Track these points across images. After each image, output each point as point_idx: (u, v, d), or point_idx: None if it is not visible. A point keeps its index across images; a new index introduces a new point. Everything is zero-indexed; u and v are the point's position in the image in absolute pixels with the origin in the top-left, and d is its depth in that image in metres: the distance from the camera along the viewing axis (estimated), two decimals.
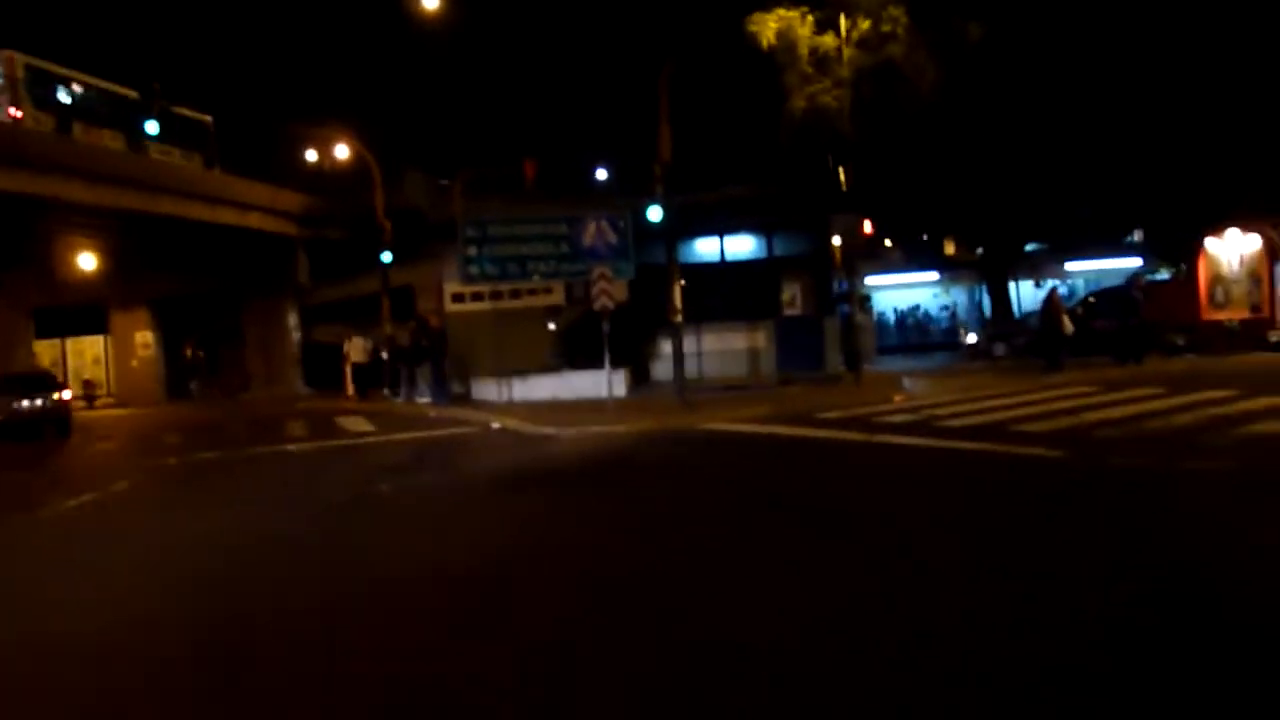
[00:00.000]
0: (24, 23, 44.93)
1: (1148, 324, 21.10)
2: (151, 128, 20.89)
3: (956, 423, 13.44)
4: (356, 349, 27.99)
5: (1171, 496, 8.17)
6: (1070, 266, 37.93)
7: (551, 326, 22.47)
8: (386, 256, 26.03)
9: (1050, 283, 32.87)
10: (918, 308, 39.67)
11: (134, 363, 36.55)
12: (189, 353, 38.13)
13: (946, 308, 39.57)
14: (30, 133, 24.39)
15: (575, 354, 21.27)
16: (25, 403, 22.85)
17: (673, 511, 9.03)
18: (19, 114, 25.46)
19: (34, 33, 39.80)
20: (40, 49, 27.05)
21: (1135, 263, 34.86)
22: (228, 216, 31.90)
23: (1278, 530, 6.84)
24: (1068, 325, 20.39)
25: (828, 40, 27.85)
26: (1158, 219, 35.32)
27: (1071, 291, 34.14)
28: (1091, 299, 27.59)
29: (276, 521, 9.88)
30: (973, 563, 6.41)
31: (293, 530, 9.25)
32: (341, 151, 33.50)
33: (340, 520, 9.69)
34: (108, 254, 34.42)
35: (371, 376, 27.47)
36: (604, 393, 17.47)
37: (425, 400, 23.47)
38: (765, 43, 27.24)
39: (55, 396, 23.73)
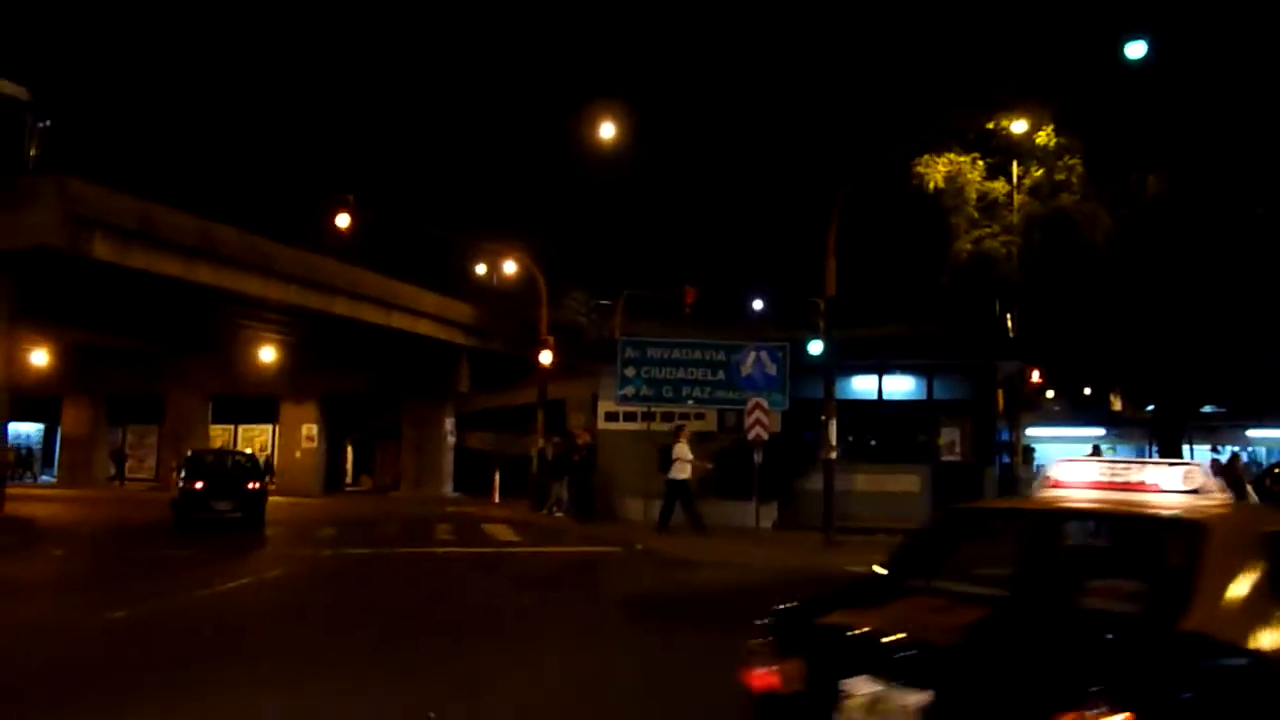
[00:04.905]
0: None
1: None
2: None
3: None
4: None
5: None
6: (1252, 434, 35.72)
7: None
8: (546, 360, 26.26)
9: (1230, 449, 30.97)
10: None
11: (298, 454, 38.16)
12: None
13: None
14: (223, 229, 25.87)
15: (723, 482, 21.03)
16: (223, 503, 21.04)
17: None
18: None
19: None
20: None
21: None
22: (400, 322, 33.36)
23: None
24: (1252, 496, 19.00)
25: (998, 186, 27.51)
26: None
27: (1253, 460, 32.05)
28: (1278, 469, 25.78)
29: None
30: None
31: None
32: (509, 267, 34.85)
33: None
34: (284, 348, 36.42)
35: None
36: (750, 523, 17.20)
37: (560, 514, 23.53)
38: (932, 185, 27.10)
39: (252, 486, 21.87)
